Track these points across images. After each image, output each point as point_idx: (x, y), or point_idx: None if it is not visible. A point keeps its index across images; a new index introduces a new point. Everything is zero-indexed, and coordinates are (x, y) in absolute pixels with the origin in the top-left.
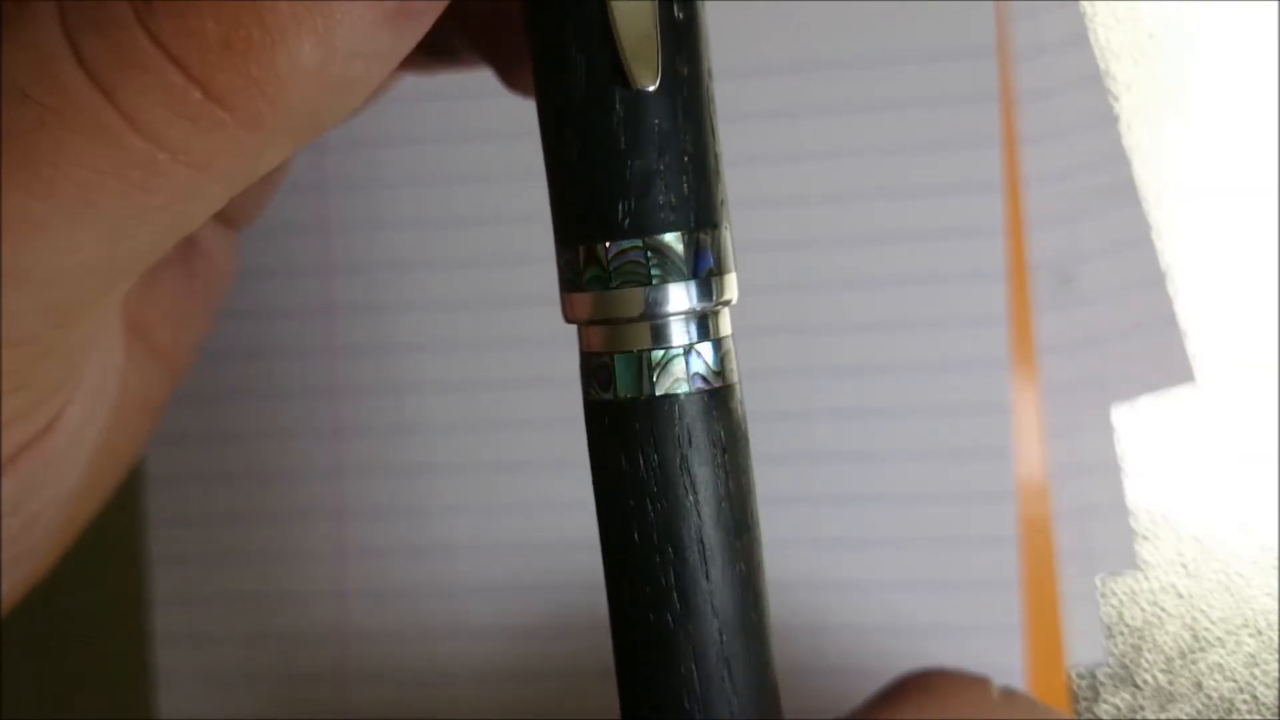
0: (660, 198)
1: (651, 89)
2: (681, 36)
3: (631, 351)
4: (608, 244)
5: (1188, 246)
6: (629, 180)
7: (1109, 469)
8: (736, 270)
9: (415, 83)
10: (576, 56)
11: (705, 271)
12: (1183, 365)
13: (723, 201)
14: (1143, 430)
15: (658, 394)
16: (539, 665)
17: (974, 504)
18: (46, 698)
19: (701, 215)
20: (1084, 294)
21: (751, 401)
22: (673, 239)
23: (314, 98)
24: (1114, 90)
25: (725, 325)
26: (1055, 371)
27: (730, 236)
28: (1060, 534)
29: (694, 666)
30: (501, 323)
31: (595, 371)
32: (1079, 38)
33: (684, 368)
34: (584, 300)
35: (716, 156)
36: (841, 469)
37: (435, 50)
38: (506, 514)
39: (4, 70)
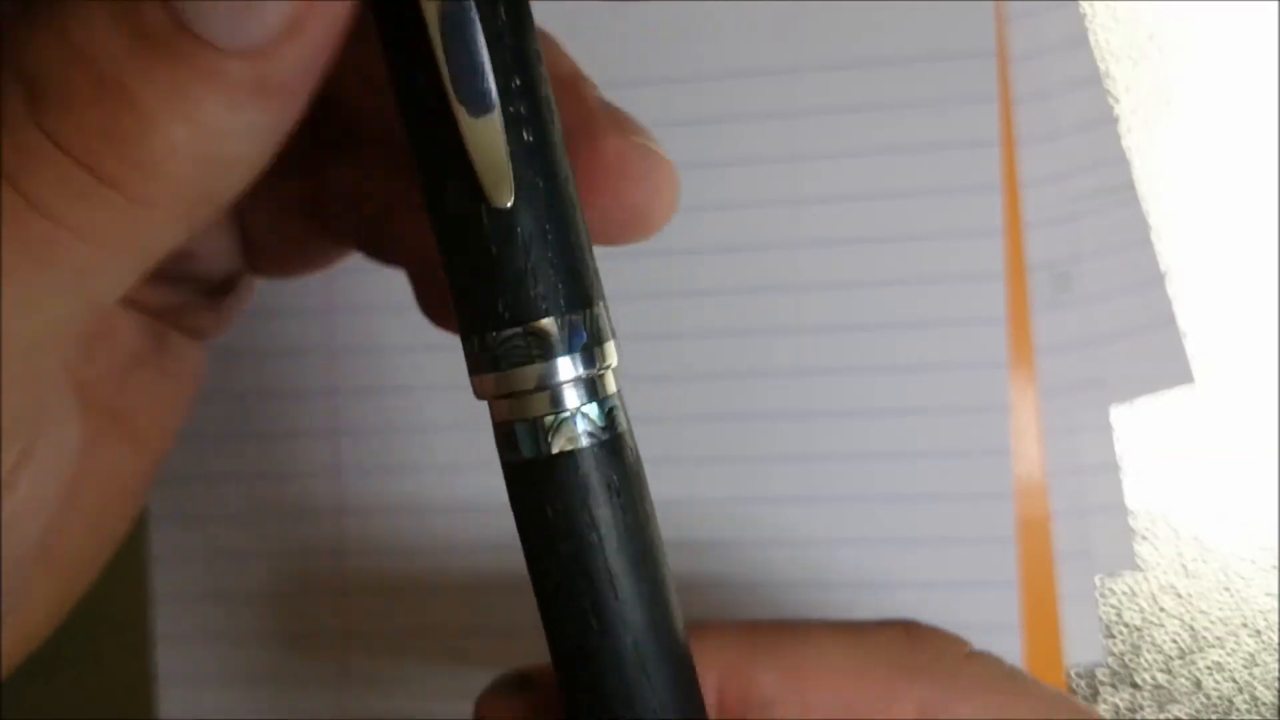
0: (532, 290)
1: (509, 205)
2: (533, 155)
3: (529, 419)
4: (494, 333)
5: (1187, 247)
6: (504, 280)
7: (1108, 469)
8: (615, 337)
9: None
10: (448, 185)
11: (580, 345)
12: (1182, 365)
13: (594, 281)
14: (1142, 430)
15: (554, 452)
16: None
17: (973, 504)
18: (46, 698)
19: (573, 299)
20: (1083, 294)
21: (751, 401)
22: (548, 323)
23: (196, 174)
24: (1113, 91)
25: (610, 385)
26: (1054, 371)
27: (605, 310)
28: (1059, 534)
29: (616, 676)
30: None
31: (504, 437)
32: (1078, 39)
33: (574, 428)
34: (486, 380)
35: (583, 246)
36: (840, 468)
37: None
38: (506, 513)
39: None
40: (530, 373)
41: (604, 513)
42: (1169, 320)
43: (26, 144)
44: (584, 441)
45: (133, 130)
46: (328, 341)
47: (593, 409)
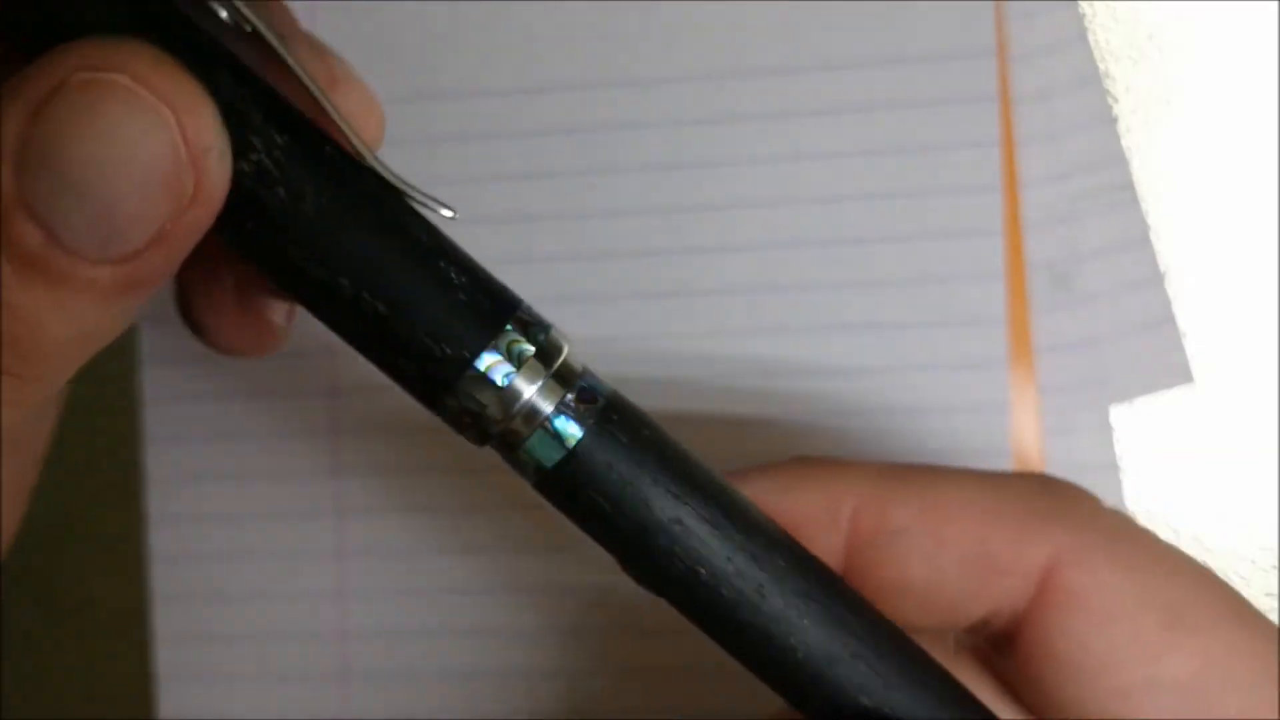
0: (501, 287)
1: (455, 213)
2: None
3: (542, 427)
4: (505, 332)
5: (1187, 246)
6: (487, 284)
7: (1107, 469)
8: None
9: (411, 85)
10: (402, 241)
11: (548, 324)
12: (1181, 365)
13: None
14: (1142, 430)
15: (593, 431)
16: (541, 665)
17: None
18: (47, 698)
19: (501, 311)
20: (1083, 294)
21: (750, 402)
22: (529, 310)
23: (76, 351)
24: (1113, 91)
25: (577, 363)
26: (1054, 371)
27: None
28: None
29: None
30: None
31: (526, 457)
32: (1078, 39)
33: (602, 390)
34: (495, 419)
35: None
36: None
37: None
38: (507, 514)
39: None
40: (523, 388)
41: (659, 441)
42: (1169, 320)
43: None
44: (596, 410)
45: (20, 335)
46: (328, 341)
47: (585, 385)
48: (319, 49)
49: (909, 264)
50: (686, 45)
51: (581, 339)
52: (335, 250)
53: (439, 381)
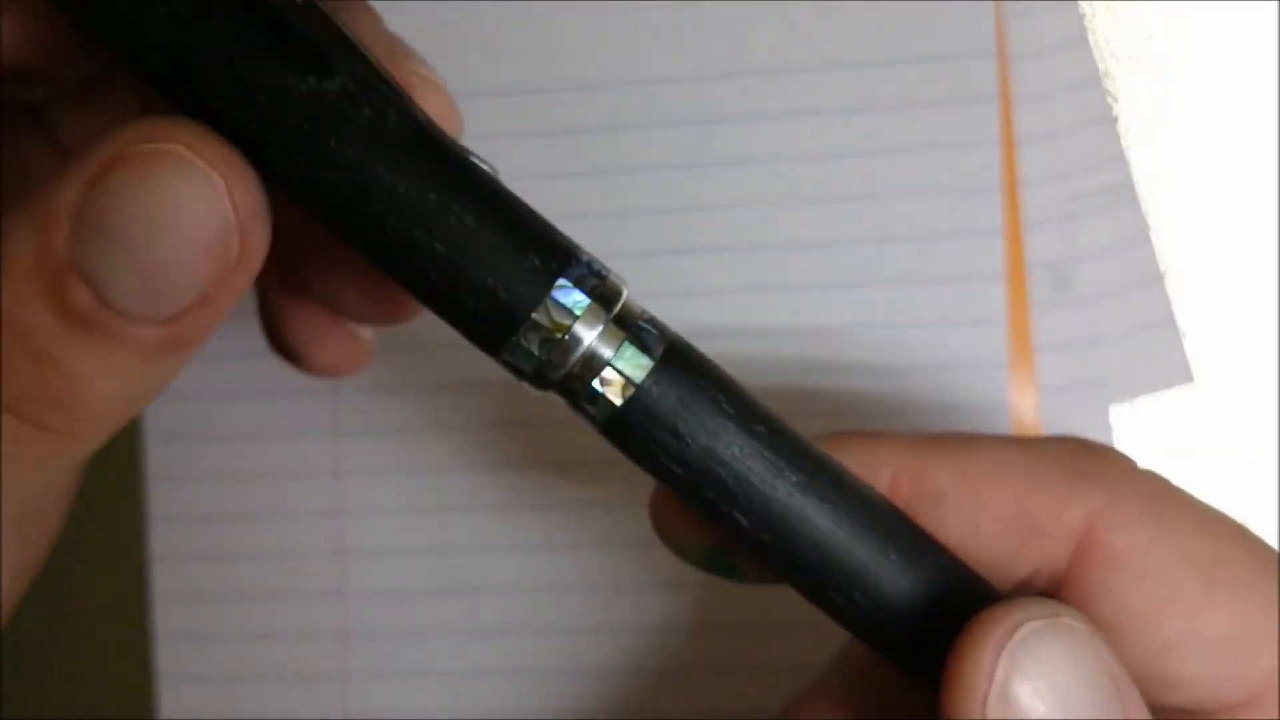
0: (559, 232)
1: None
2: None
3: (629, 339)
4: (543, 313)
5: (1187, 246)
6: (544, 227)
7: None
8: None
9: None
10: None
11: (601, 289)
12: (1181, 365)
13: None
14: (1142, 430)
15: (659, 363)
16: (541, 663)
17: None
18: (46, 697)
19: (561, 254)
20: (1082, 294)
21: None
22: (588, 254)
23: (119, 409)
24: (1113, 91)
25: (637, 305)
26: (1054, 371)
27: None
28: None
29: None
30: None
31: (593, 398)
32: (1078, 39)
33: (652, 339)
34: (557, 361)
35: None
36: None
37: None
38: (506, 514)
39: None
40: (589, 328)
41: (720, 379)
42: (1169, 320)
43: None
44: (663, 345)
45: (65, 391)
46: None
47: (650, 324)
48: (398, 52)
49: (909, 264)
50: (686, 45)
51: None
52: (423, 164)
53: (521, 303)
